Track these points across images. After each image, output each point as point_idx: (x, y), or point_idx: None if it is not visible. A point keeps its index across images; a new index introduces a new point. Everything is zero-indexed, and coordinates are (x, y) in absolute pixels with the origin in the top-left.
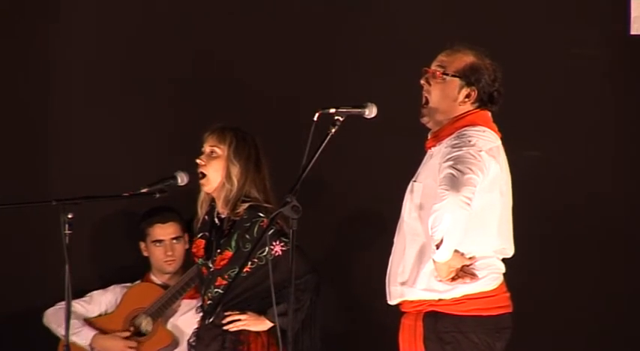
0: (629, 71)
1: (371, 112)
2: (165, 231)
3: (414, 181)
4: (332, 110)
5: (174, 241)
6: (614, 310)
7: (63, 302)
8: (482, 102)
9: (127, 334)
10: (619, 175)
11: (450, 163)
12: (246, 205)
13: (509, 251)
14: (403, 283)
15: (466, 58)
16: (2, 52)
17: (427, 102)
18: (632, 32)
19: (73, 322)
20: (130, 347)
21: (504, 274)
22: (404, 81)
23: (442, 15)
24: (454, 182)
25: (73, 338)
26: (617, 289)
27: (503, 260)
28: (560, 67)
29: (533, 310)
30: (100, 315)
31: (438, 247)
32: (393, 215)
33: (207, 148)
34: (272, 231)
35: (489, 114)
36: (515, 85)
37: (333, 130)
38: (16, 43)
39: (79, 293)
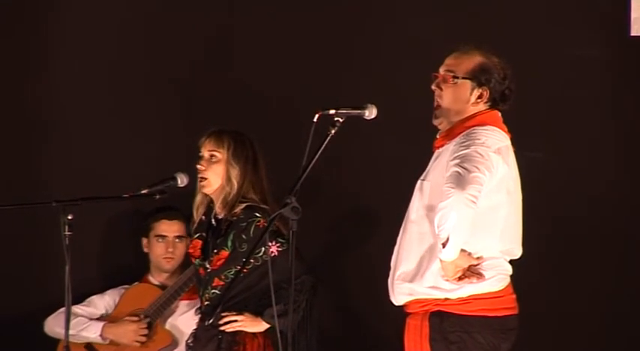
0: (629, 72)
1: (371, 113)
2: (170, 227)
3: (423, 179)
4: (332, 111)
5: (177, 239)
6: (615, 311)
7: (62, 309)
8: (495, 101)
9: (137, 318)
10: (619, 175)
11: (457, 161)
12: (243, 205)
13: (517, 252)
14: (411, 281)
15: (474, 59)
16: (2, 52)
17: (439, 106)
18: (633, 33)
19: (79, 319)
20: (142, 328)
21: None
22: (404, 81)
23: (442, 15)
24: (460, 180)
25: (84, 333)
26: (618, 290)
27: (510, 261)
28: (561, 68)
29: (534, 311)
30: (100, 317)
31: (444, 245)
32: (392, 216)
33: (205, 153)
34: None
35: (499, 114)
36: (515, 85)
37: (333, 131)
38: (15, 42)
39: (80, 296)
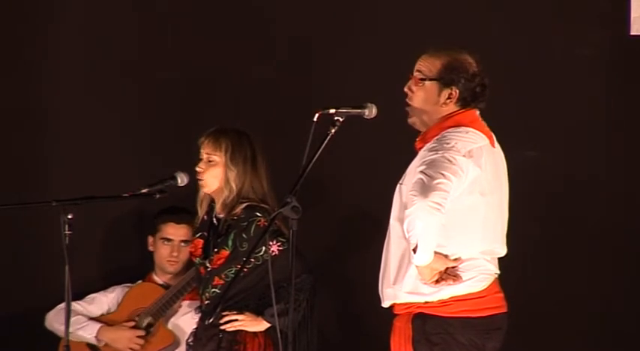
0: (629, 72)
1: (371, 112)
2: (177, 231)
3: (401, 183)
4: (332, 111)
5: (183, 243)
6: (611, 311)
7: (63, 304)
8: (466, 100)
9: (133, 324)
10: (618, 175)
11: (423, 167)
12: (244, 205)
13: (501, 251)
14: (393, 285)
15: (440, 60)
16: (2, 52)
17: (410, 105)
18: (633, 33)
19: (78, 318)
20: (138, 336)
21: (499, 275)
22: (405, 81)
23: (441, 15)
24: (423, 187)
25: (80, 333)
26: (614, 290)
27: (499, 261)
28: (560, 68)
29: (529, 311)
30: (102, 315)
31: (414, 251)
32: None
33: (204, 155)
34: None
35: (476, 113)
36: (515, 85)
37: (333, 131)
38: (15, 42)
39: (82, 294)
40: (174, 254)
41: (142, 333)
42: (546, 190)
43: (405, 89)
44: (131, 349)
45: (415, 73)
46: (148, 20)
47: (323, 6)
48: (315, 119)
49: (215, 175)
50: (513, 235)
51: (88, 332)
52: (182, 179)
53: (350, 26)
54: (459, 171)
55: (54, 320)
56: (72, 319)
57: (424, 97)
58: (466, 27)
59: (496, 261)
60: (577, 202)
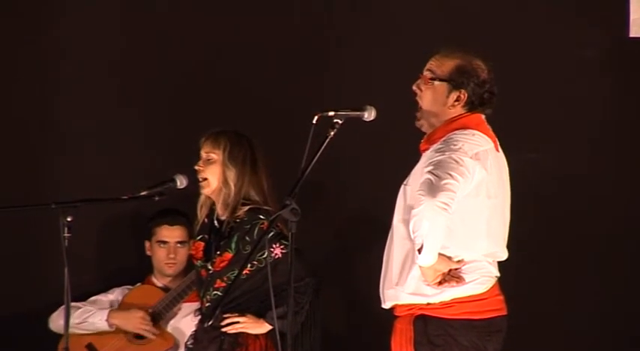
0: (628, 73)
1: (370, 115)
2: (171, 233)
3: (405, 185)
4: (331, 113)
5: (179, 244)
6: (611, 311)
7: None
8: (473, 104)
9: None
10: (619, 177)
11: (430, 168)
12: (247, 207)
13: (502, 254)
14: (395, 286)
15: (453, 62)
16: (3, 53)
17: (421, 107)
18: (632, 34)
19: (85, 308)
20: (147, 320)
21: (500, 277)
22: (405, 83)
23: (441, 16)
24: (431, 187)
25: (90, 320)
26: (614, 290)
27: (500, 263)
28: (560, 68)
29: (531, 313)
30: None
31: (419, 251)
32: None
33: (203, 154)
34: (272, 234)
35: (482, 117)
36: (515, 86)
37: (332, 133)
38: (15, 44)
39: (81, 296)
40: (171, 256)
41: (149, 318)
42: (545, 191)
43: (414, 87)
44: (142, 328)
45: (425, 73)
46: (149, 22)
47: (323, 8)
48: (314, 121)
49: (214, 173)
50: (513, 236)
51: (98, 318)
52: (181, 182)
53: (351, 29)
54: (466, 172)
55: (59, 318)
56: (79, 311)
57: (432, 97)
58: (466, 28)
59: (496, 264)
60: (576, 203)
